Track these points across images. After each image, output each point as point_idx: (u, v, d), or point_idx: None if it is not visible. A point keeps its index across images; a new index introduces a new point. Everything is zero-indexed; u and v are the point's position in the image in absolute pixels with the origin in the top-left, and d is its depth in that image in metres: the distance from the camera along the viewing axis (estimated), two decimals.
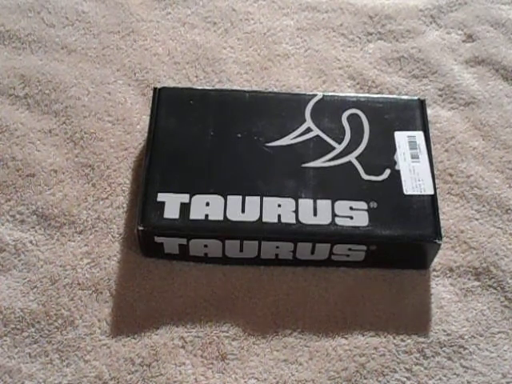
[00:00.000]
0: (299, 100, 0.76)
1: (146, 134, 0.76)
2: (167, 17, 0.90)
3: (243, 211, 0.68)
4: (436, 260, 0.70)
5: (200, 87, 0.82)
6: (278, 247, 0.68)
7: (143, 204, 0.68)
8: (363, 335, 0.66)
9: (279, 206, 0.68)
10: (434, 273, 0.70)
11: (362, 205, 0.68)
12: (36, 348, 0.65)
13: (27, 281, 0.68)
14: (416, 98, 0.77)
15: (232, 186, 0.69)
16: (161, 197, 0.68)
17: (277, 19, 0.91)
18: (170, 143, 0.72)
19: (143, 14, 0.90)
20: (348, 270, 0.70)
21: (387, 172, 0.71)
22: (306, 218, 0.67)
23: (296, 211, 0.68)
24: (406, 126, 0.74)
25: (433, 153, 0.73)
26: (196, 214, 0.67)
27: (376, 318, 0.67)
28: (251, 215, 0.67)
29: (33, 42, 0.86)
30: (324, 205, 0.68)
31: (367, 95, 0.78)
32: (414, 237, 0.67)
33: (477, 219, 0.74)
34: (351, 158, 0.72)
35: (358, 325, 0.67)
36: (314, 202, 0.68)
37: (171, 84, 0.83)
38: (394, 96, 0.79)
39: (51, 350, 0.64)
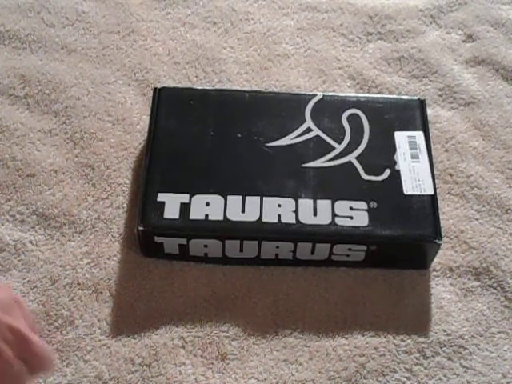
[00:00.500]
0: (299, 100, 0.76)
1: (145, 134, 0.76)
2: (167, 17, 0.90)
3: (243, 211, 0.68)
4: (436, 260, 0.70)
5: (200, 87, 0.82)
6: (278, 247, 0.68)
7: (143, 204, 0.68)
8: (363, 335, 0.66)
9: (279, 205, 0.68)
10: (434, 273, 0.70)
11: (362, 205, 0.68)
12: None
13: (27, 281, 0.68)
14: (416, 98, 0.77)
15: (232, 186, 0.69)
16: (161, 197, 0.68)
17: (277, 19, 0.91)
18: (170, 143, 0.72)
19: (143, 14, 0.90)
20: (348, 270, 0.70)
21: (387, 172, 0.71)
22: (306, 217, 0.67)
23: (296, 211, 0.68)
24: (406, 126, 0.74)
25: (433, 153, 0.73)
26: (196, 213, 0.67)
27: (376, 318, 0.67)
28: (251, 215, 0.67)
29: (33, 42, 0.86)
30: (324, 205, 0.68)
31: (367, 95, 0.78)
32: (413, 237, 0.67)
33: (477, 219, 0.74)
34: (351, 157, 0.72)
35: (357, 325, 0.67)
36: (314, 202, 0.68)
37: (171, 84, 0.83)
38: (394, 96, 0.79)
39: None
